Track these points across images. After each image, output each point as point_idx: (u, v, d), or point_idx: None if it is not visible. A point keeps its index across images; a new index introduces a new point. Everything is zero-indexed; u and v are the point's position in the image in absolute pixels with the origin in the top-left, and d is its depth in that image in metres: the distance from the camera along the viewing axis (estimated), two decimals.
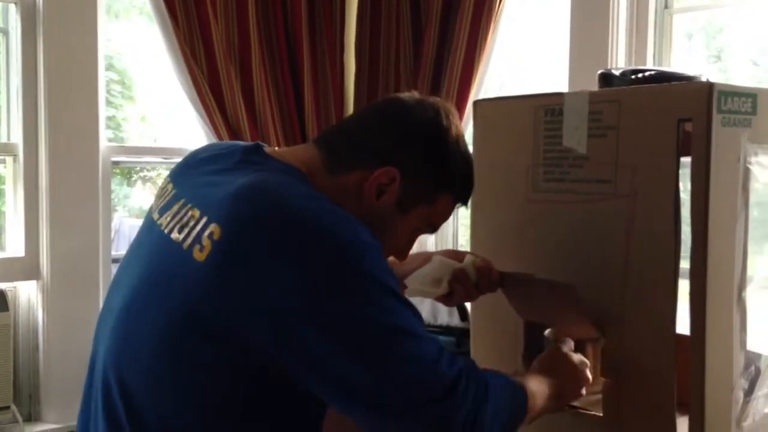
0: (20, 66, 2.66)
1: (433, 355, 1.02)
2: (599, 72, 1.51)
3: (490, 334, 1.53)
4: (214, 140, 2.93)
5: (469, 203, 1.27)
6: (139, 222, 1.22)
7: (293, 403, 1.04)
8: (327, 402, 1.05)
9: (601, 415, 1.33)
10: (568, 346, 1.30)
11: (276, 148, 1.17)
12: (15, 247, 2.73)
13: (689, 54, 2.64)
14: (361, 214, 1.05)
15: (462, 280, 1.33)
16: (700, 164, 1.18)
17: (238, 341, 0.97)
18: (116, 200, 4.12)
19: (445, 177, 1.17)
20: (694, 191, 1.19)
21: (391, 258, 1.21)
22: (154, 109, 3.85)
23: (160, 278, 1.05)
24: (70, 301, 2.72)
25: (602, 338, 1.32)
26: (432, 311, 2.55)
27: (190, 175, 1.16)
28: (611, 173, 1.29)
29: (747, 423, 1.28)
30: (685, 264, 1.21)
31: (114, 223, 3.60)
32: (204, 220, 1.01)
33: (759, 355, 1.30)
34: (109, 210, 2.91)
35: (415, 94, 1.20)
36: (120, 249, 3.71)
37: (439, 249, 2.69)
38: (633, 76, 1.44)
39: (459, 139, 1.19)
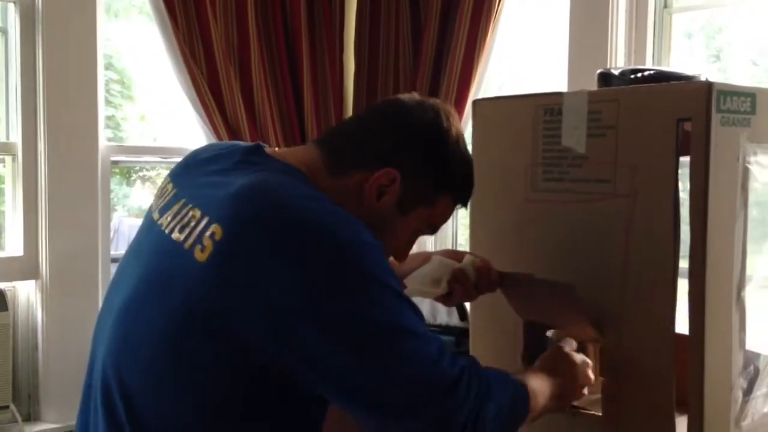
0: (19, 65, 2.66)
1: (435, 354, 1.02)
2: (598, 71, 1.51)
3: (490, 334, 1.53)
4: (213, 140, 2.93)
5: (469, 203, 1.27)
6: (139, 222, 1.22)
7: (293, 403, 1.04)
8: (329, 399, 1.06)
9: (600, 414, 1.33)
10: (571, 346, 1.30)
11: (276, 149, 1.17)
12: (14, 246, 2.73)
13: (688, 54, 2.64)
14: (362, 215, 1.05)
15: (461, 280, 1.33)
16: (699, 164, 1.18)
17: (238, 341, 0.97)
18: (115, 200, 4.12)
19: (446, 178, 1.17)
20: (693, 191, 1.19)
21: (390, 259, 1.21)
22: (154, 109, 3.86)
23: (160, 278, 1.05)
24: (69, 300, 2.72)
25: (601, 339, 1.32)
26: (431, 311, 2.55)
27: (191, 175, 1.16)
28: (610, 173, 1.29)
29: (746, 422, 1.28)
30: (684, 263, 1.21)
31: (113, 223, 3.60)
32: (205, 220, 1.01)
33: (758, 355, 1.30)
34: (108, 209, 2.91)
35: (416, 96, 1.20)
36: (119, 248, 3.71)
37: (438, 249, 2.69)
38: (632, 76, 1.44)
39: (459, 141, 1.19)
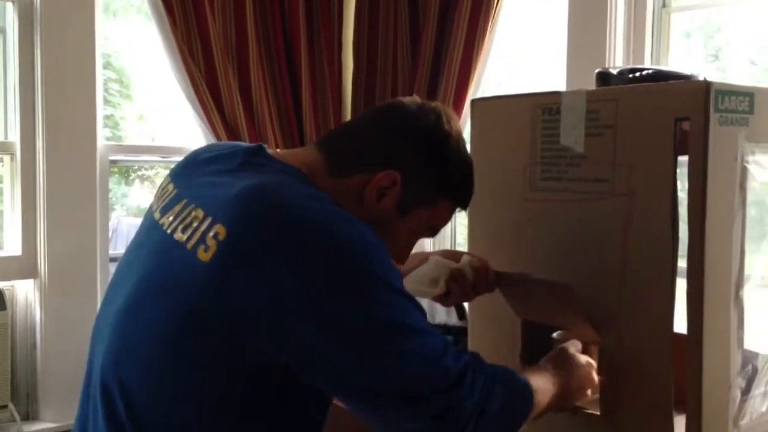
0: (18, 64, 2.66)
1: (438, 351, 1.03)
2: (597, 71, 1.51)
3: (488, 333, 1.53)
4: (211, 139, 2.93)
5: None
6: (138, 221, 1.22)
7: (291, 403, 1.04)
8: (331, 397, 1.07)
9: (599, 413, 1.33)
10: (576, 347, 1.31)
11: (278, 150, 1.18)
12: (12, 245, 2.73)
13: (687, 53, 2.64)
14: (362, 216, 1.06)
15: (459, 280, 1.34)
16: (697, 163, 1.18)
17: (235, 341, 0.98)
18: (114, 199, 4.12)
19: (446, 181, 1.18)
20: (692, 190, 1.19)
21: None
22: (152, 108, 3.85)
23: (160, 278, 1.05)
24: (67, 299, 2.72)
25: (600, 339, 1.32)
26: (429, 310, 2.55)
27: (192, 175, 1.16)
28: (609, 172, 1.29)
29: (744, 422, 1.28)
30: (682, 263, 1.21)
31: (112, 222, 3.60)
32: (208, 220, 1.01)
33: (756, 354, 1.30)
34: (107, 209, 2.91)
35: (417, 99, 1.21)
36: (118, 248, 3.71)
37: (437, 249, 2.69)
38: (630, 75, 1.44)
39: (460, 143, 1.19)
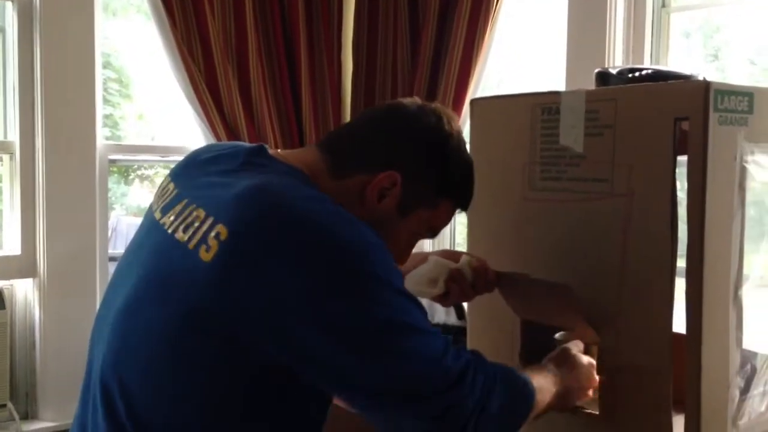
0: (17, 64, 2.66)
1: (439, 350, 1.03)
2: (596, 71, 1.51)
3: (487, 333, 1.53)
4: (211, 138, 2.93)
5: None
6: (137, 221, 1.22)
7: (293, 403, 1.05)
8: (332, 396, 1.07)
9: (598, 413, 1.33)
10: (578, 347, 1.31)
11: (279, 150, 1.18)
12: (12, 245, 2.73)
13: (686, 53, 2.64)
14: (363, 217, 1.06)
15: (458, 280, 1.34)
16: (696, 163, 1.18)
17: (237, 341, 0.98)
18: (114, 198, 4.12)
19: (447, 182, 1.18)
20: (691, 190, 1.19)
21: None
22: (152, 108, 3.85)
23: (160, 277, 1.05)
24: (66, 299, 2.72)
25: (599, 339, 1.32)
26: (428, 310, 2.55)
27: (192, 175, 1.16)
28: (608, 172, 1.29)
29: (743, 421, 1.28)
30: (681, 263, 1.21)
31: (111, 222, 3.60)
32: (210, 220, 1.01)
33: (755, 354, 1.30)
34: (106, 208, 2.91)
35: (417, 100, 1.21)
36: (118, 247, 3.71)
37: (436, 248, 2.69)
38: (630, 75, 1.44)
39: (461, 145, 1.20)
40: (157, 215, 1.13)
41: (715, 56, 2.71)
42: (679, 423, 1.22)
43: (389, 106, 1.23)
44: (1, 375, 2.59)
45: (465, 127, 2.37)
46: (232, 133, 2.96)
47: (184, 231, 1.04)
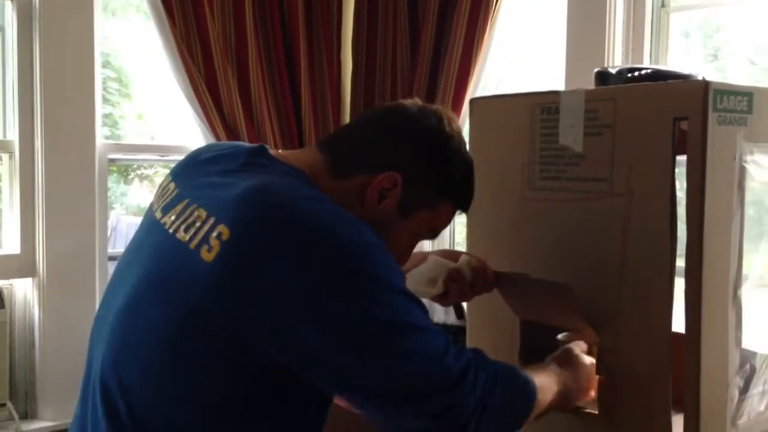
0: (16, 63, 2.66)
1: (439, 349, 1.03)
2: (595, 70, 1.51)
3: (486, 333, 1.53)
4: (211, 138, 2.93)
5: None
6: (137, 220, 1.22)
7: (293, 403, 1.05)
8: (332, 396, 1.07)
9: (597, 413, 1.33)
10: (581, 348, 1.31)
11: (280, 151, 1.18)
12: (11, 244, 2.72)
13: (686, 53, 2.64)
14: (363, 218, 1.06)
15: (457, 280, 1.34)
16: (695, 163, 1.18)
17: (238, 341, 0.98)
18: (113, 198, 4.12)
19: (447, 183, 1.18)
20: (690, 190, 1.19)
21: None
22: (151, 107, 3.85)
23: (160, 277, 1.05)
24: (66, 298, 2.72)
25: (598, 339, 1.32)
26: (428, 310, 2.55)
27: (193, 175, 1.16)
28: (607, 172, 1.29)
29: (742, 421, 1.28)
30: (681, 262, 1.21)
31: (111, 221, 3.60)
32: (212, 221, 1.01)
33: (754, 353, 1.30)
34: (106, 208, 2.90)
35: (418, 101, 1.21)
36: (117, 247, 3.71)
37: (435, 248, 2.69)
38: (629, 75, 1.44)
39: (461, 146, 1.20)
40: (158, 215, 1.13)
41: (715, 56, 2.71)
42: (678, 423, 1.22)
43: (390, 107, 1.23)
44: (0, 374, 2.59)
45: (464, 126, 2.37)
46: (232, 132, 2.96)
47: (186, 231, 1.04)
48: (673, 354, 1.21)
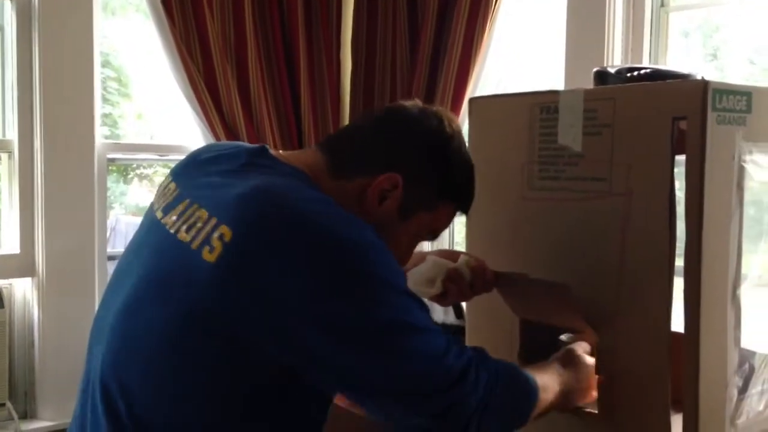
0: (16, 62, 2.66)
1: (440, 349, 1.03)
2: (594, 70, 1.51)
3: (486, 332, 1.53)
4: (210, 138, 2.92)
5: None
6: (136, 220, 1.22)
7: (293, 403, 1.05)
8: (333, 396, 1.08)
9: (596, 412, 1.33)
10: (584, 349, 1.31)
11: (280, 151, 1.18)
12: (10, 244, 2.72)
13: (685, 52, 2.64)
14: (363, 218, 1.06)
15: (456, 280, 1.34)
16: (694, 162, 1.18)
17: (238, 341, 0.98)
18: (113, 198, 4.12)
19: (448, 184, 1.18)
20: (689, 189, 1.19)
21: None
22: (151, 107, 3.85)
23: (161, 277, 1.05)
24: (65, 298, 2.72)
25: (598, 339, 1.32)
26: (429, 309, 2.55)
27: (193, 175, 1.16)
28: (606, 171, 1.29)
29: (741, 421, 1.28)
30: (679, 262, 1.21)
31: (110, 221, 3.60)
32: (213, 221, 1.02)
33: (753, 353, 1.30)
34: (105, 207, 2.90)
35: (418, 102, 1.21)
36: (116, 246, 3.71)
37: (434, 248, 2.69)
38: (628, 74, 1.44)
39: (462, 147, 1.20)
40: (159, 215, 1.13)
41: (714, 56, 2.71)
42: (677, 422, 1.22)
43: (390, 108, 1.23)
44: (0, 374, 2.59)
45: (463, 126, 2.37)
46: (231, 132, 2.96)
47: (187, 231, 1.04)
48: (672, 354, 1.21)
